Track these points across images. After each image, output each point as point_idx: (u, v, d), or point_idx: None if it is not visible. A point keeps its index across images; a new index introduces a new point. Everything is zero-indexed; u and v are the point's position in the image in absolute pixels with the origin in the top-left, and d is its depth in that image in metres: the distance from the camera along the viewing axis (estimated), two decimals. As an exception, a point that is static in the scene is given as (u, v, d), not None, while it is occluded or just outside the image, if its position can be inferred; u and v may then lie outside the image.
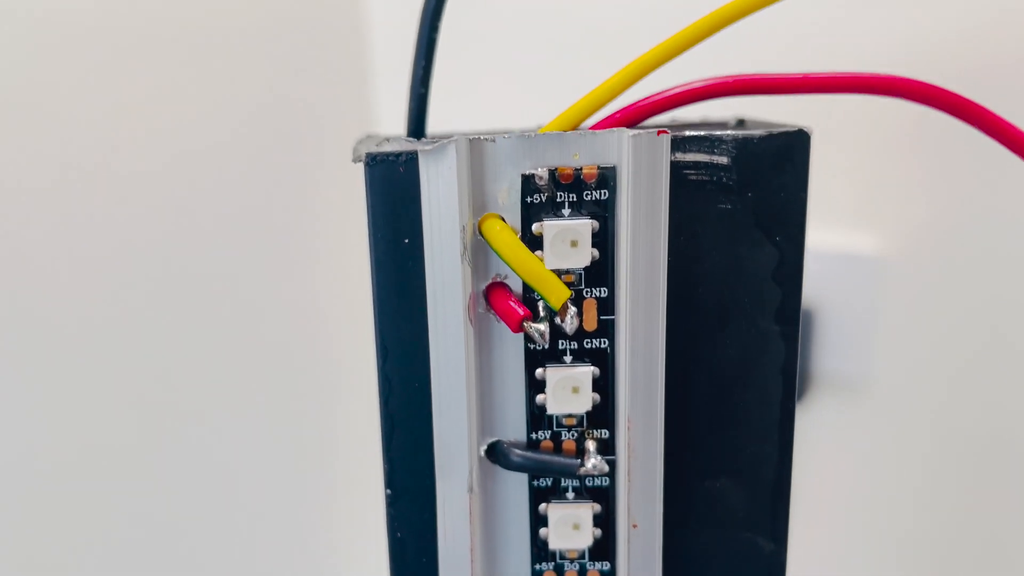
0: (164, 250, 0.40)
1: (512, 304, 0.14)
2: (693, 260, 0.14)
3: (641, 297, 0.14)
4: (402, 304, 0.14)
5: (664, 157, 0.13)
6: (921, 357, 0.38)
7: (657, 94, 0.15)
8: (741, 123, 0.18)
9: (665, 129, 0.13)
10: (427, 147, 0.13)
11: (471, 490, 0.15)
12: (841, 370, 0.46)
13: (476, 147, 0.14)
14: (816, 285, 0.44)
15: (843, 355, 0.45)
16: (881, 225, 0.37)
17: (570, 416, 0.15)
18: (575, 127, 0.15)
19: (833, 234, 0.37)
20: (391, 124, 0.51)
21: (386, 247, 0.14)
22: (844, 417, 0.43)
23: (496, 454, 0.15)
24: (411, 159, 0.14)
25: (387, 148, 0.14)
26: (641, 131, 0.13)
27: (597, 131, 0.14)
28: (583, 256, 0.14)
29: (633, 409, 0.15)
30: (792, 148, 0.14)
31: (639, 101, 0.15)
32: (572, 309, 0.14)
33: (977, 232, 0.33)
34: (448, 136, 0.14)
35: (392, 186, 0.14)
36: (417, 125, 0.16)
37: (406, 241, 0.14)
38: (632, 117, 0.15)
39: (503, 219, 0.14)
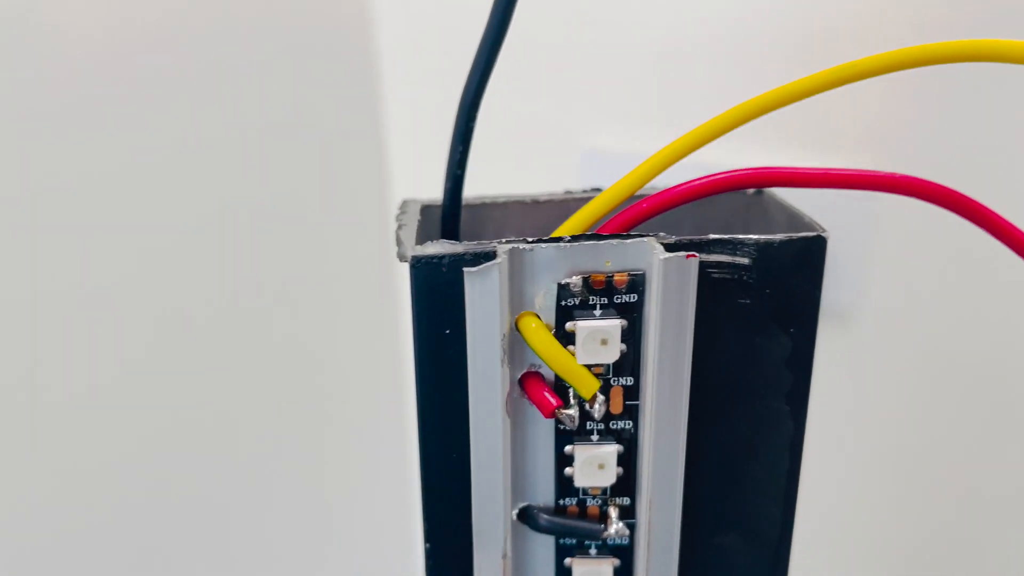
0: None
1: (546, 394, 0.15)
2: (711, 347, 0.16)
3: (666, 388, 0.15)
4: (442, 387, 0.15)
5: (692, 278, 0.14)
6: (914, 286, 0.40)
7: (677, 187, 0.16)
8: (759, 193, 0.19)
9: (694, 253, 0.14)
10: (473, 269, 0.14)
11: (505, 556, 0.16)
12: (836, 299, 0.48)
13: (515, 256, 0.15)
14: (813, 212, 0.45)
15: (838, 284, 0.47)
16: (880, 152, 0.38)
17: (595, 487, 0.16)
18: (596, 221, 0.16)
19: (834, 159, 0.38)
20: (397, 127, 0.53)
21: (428, 336, 0.15)
22: (835, 344, 0.45)
23: (527, 517, 0.17)
24: (455, 262, 0.15)
25: (432, 251, 0.15)
26: (671, 255, 0.14)
27: (628, 241, 0.15)
28: (612, 352, 0.15)
29: (654, 481, 0.16)
30: (809, 251, 0.15)
31: (661, 193, 0.16)
32: (600, 397, 0.15)
33: (975, 163, 0.34)
34: (488, 245, 0.15)
35: (436, 287, 0.15)
36: (453, 203, 0.17)
37: (447, 332, 0.15)
38: (654, 209, 0.16)
39: (539, 317, 0.15)
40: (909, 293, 0.41)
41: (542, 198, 0.18)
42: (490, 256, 0.15)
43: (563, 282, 0.15)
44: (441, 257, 0.15)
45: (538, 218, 0.19)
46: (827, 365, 0.46)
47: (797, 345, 0.16)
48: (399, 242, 0.16)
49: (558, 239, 0.15)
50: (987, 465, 0.39)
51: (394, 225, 0.17)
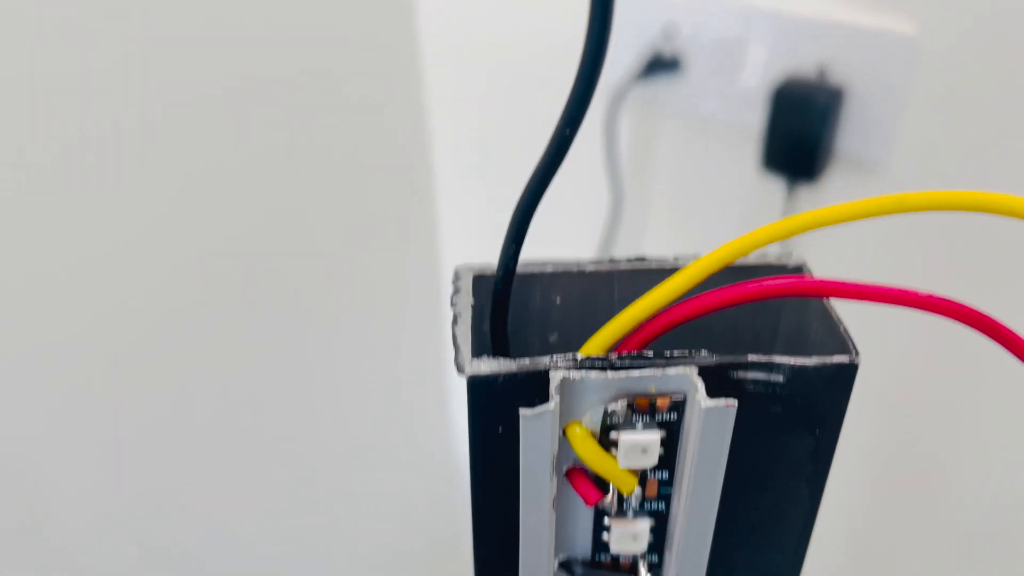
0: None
1: (588, 488, 0.17)
2: (739, 442, 0.17)
3: (702, 489, 0.17)
4: (495, 478, 0.17)
5: (731, 420, 0.15)
6: (939, 143, 0.42)
7: (712, 295, 0.17)
8: (799, 269, 0.19)
9: (733, 401, 0.15)
10: (529, 413, 0.15)
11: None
12: (862, 152, 0.50)
13: (566, 384, 0.16)
14: (850, 64, 0.46)
15: (866, 138, 0.49)
16: (923, 7, 0.39)
17: (628, 551, 0.18)
18: (621, 337, 0.17)
19: (873, 15, 0.39)
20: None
21: (483, 436, 0.17)
22: (856, 194, 0.47)
23: (567, 568, 0.19)
24: (508, 379, 0.16)
25: (487, 370, 0.16)
26: (713, 404, 0.15)
27: (671, 372, 0.16)
28: (651, 458, 0.16)
29: (683, 547, 0.18)
30: (842, 373, 0.16)
31: (695, 301, 0.17)
32: (638, 489, 0.17)
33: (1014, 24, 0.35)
34: (540, 363, 0.16)
35: (491, 398, 0.16)
36: (503, 295, 0.18)
37: (500, 430, 0.17)
38: (688, 318, 0.17)
39: (583, 427, 0.16)
40: (933, 149, 0.42)
41: (588, 267, 0.19)
42: (542, 377, 0.16)
43: (609, 409, 0.16)
44: (496, 377, 0.16)
45: (584, 285, 0.19)
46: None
47: (821, 442, 0.17)
48: (455, 343, 0.17)
49: (605, 363, 0.16)
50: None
51: (449, 292, 0.18)
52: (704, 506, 0.17)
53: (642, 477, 0.17)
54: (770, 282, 0.17)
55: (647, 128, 0.60)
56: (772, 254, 0.19)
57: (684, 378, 0.16)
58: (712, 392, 0.16)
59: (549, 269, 0.19)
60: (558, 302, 0.20)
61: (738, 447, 0.17)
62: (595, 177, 0.62)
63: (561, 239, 0.70)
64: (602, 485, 0.17)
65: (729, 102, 0.53)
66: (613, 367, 0.16)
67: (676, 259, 0.19)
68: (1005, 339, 0.17)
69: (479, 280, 0.19)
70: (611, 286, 0.19)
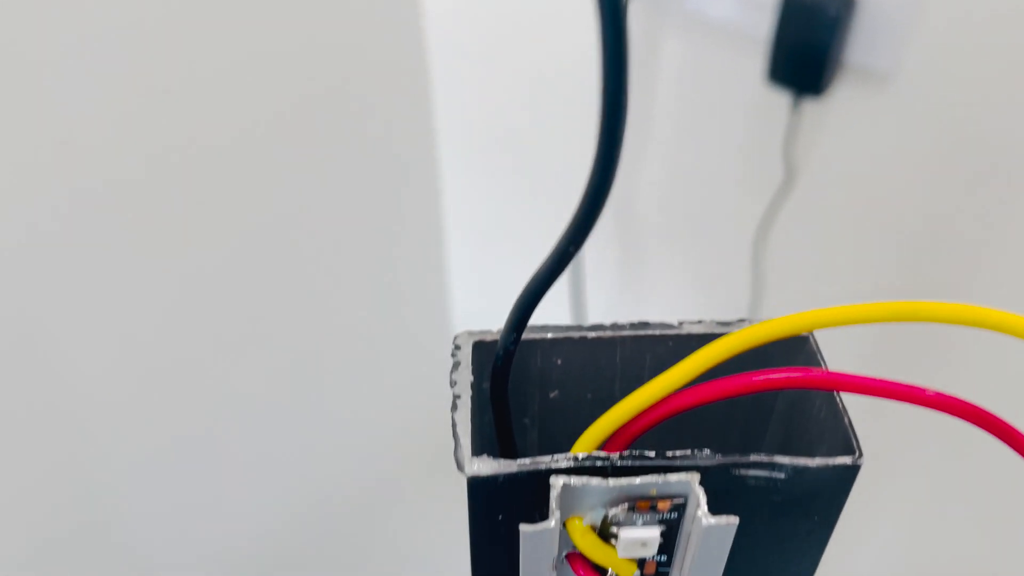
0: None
1: (588, 572, 0.17)
2: (741, 525, 0.17)
3: (702, 572, 0.17)
4: (495, 563, 0.17)
5: (731, 533, 0.15)
6: (950, 56, 0.42)
7: (712, 385, 0.16)
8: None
9: (735, 519, 0.15)
10: (529, 530, 0.15)
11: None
12: (871, 64, 0.49)
13: (566, 489, 0.16)
14: None
15: (875, 49, 0.48)
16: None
17: None
18: (618, 428, 0.17)
19: None
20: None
21: (482, 528, 0.17)
22: (862, 110, 0.47)
23: None
24: (508, 478, 0.16)
25: (487, 471, 0.16)
26: (714, 522, 0.15)
27: (672, 478, 0.16)
28: (651, 550, 0.17)
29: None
30: (845, 473, 0.16)
31: (694, 392, 0.17)
32: (636, 571, 0.17)
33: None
34: (541, 463, 0.16)
35: (491, 494, 0.16)
36: (501, 379, 0.18)
37: (500, 518, 0.17)
38: (686, 408, 0.17)
39: (583, 523, 0.16)
40: (944, 63, 0.42)
41: (591, 335, 0.19)
42: (540, 476, 0.16)
43: (610, 514, 0.16)
44: (496, 477, 0.16)
45: (586, 351, 0.19)
46: (862, 125, 0.49)
47: (819, 526, 0.17)
48: (455, 434, 0.16)
49: (606, 463, 0.16)
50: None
51: (449, 363, 0.18)
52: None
53: (640, 561, 0.17)
54: (775, 375, 0.16)
55: (653, 34, 0.58)
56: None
57: (686, 484, 0.16)
58: (712, 486, 0.16)
59: (550, 337, 0.19)
60: (559, 363, 0.19)
61: (738, 529, 0.17)
62: (597, 83, 0.61)
63: (559, 154, 0.69)
64: (601, 570, 0.17)
65: (739, 5, 0.51)
66: (613, 470, 0.16)
67: (680, 324, 0.19)
68: (1008, 437, 0.16)
69: (479, 347, 0.18)
70: (613, 351, 0.19)
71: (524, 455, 0.17)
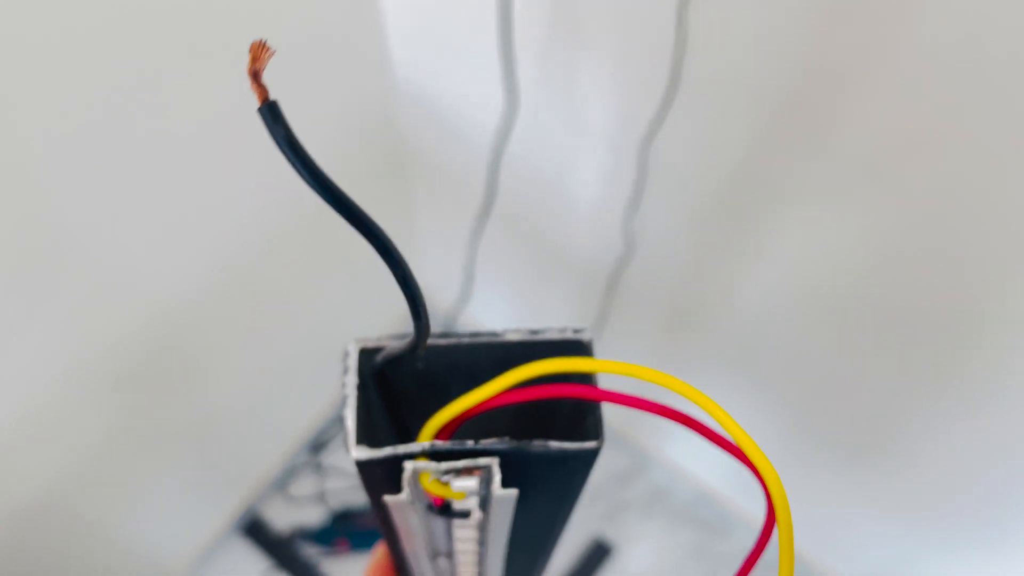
0: None
1: (436, 498, 0.27)
2: (529, 470, 0.26)
3: (501, 513, 0.27)
4: (380, 501, 0.27)
5: (514, 497, 0.25)
6: None
7: (510, 393, 0.25)
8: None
9: (514, 491, 0.24)
10: (390, 499, 0.24)
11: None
12: None
13: (416, 471, 0.25)
14: None
15: None
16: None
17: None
18: (451, 420, 0.25)
19: None
20: None
21: (372, 487, 0.26)
22: None
23: (430, 509, 0.29)
24: (385, 459, 0.25)
25: (366, 456, 0.25)
26: (503, 493, 0.24)
27: (481, 461, 0.25)
28: (472, 488, 0.26)
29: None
30: (591, 452, 0.25)
31: (498, 397, 0.25)
32: (465, 496, 0.27)
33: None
34: (400, 450, 0.24)
35: (374, 467, 0.25)
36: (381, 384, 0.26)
37: (380, 475, 0.26)
38: (494, 407, 0.25)
39: (431, 477, 0.26)
40: None
41: (442, 342, 0.27)
42: (399, 458, 0.25)
43: (443, 480, 0.25)
44: (372, 459, 0.25)
45: (439, 351, 0.27)
46: None
47: (581, 470, 0.27)
48: (345, 427, 0.25)
49: (441, 450, 0.25)
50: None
51: (341, 369, 0.26)
52: (505, 511, 0.27)
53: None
54: (551, 389, 0.25)
55: None
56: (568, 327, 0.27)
57: (489, 464, 0.25)
58: (516, 452, 0.25)
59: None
60: (422, 353, 0.28)
61: (526, 470, 0.26)
62: None
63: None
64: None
65: None
66: (446, 455, 0.25)
67: (504, 332, 0.27)
68: (707, 434, 0.25)
69: (364, 354, 0.26)
70: (459, 350, 0.27)
71: (407, 407, 0.26)
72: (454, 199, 1.15)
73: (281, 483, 1.45)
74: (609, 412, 1.36)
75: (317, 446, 1.47)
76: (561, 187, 1.02)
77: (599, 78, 0.85)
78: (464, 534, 0.29)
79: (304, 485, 1.46)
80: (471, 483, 0.26)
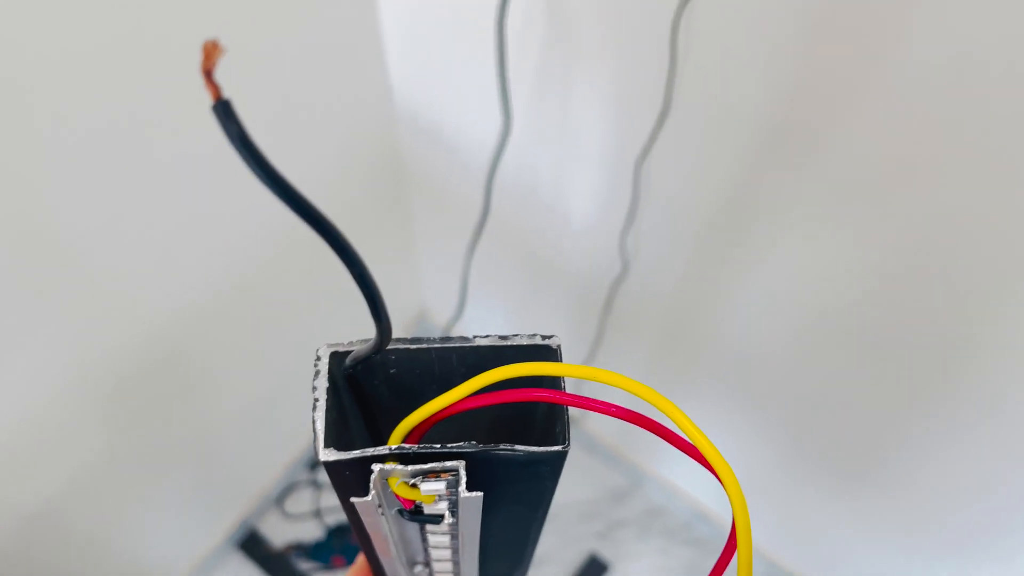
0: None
1: (406, 502, 0.27)
2: (498, 476, 0.27)
3: (470, 518, 0.27)
4: (356, 516, 0.27)
5: (480, 500, 0.25)
6: None
7: (479, 397, 0.26)
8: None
9: (479, 494, 0.25)
10: (357, 500, 0.25)
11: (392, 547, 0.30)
12: None
13: (381, 472, 0.25)
14: None
15: None
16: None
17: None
18: (420, 422, 0.26)
19: None
20: None
21: (342, 487, 0.27)
22: None
23: (401, 513, 0.30)
24: (352, 461, 0.25)
25: (334, 458, 0.25)
26: (470, 495, 0.25)
27: (448, 464, 0.25)
28: (441, 491, 0.27)
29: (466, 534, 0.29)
30: (559, 455, 0.26)
31: (466, 401, 0.26)
32: (436, 499, 0.27)
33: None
34: (368, 452, 0.25)
35: (341, 469, 0.26)
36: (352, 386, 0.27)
37: (349, 475, 0.27)
38: (462, 410, 0.26)
39: (400, 480, 0.26)
40: None
41: (412, 346, 0.28)
42: (367, 461, 0.25)
43: (411, 483, 0.26)
44: (340, 461, 0.25)
45: (409, 355, 0.28)
46: None
47: (549, 476, 0.27)
48: (314, 430, 0.26)
49: (408, 453, 0.25)
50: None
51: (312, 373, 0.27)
52: (474, 513, 0.28)
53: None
54: (520, 393, 0.26)
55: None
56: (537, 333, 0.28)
57: (456, 466, 0.25)
58: (482, 455, 0.26)
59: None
60: (394, 358, 0.28)
61: (495, 473, 0.27)
62: None
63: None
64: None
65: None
66: (413, 456, 0.25)
67: (473, 337, 0.28)
68: (671, 439, 0.26)
69: (335, 356, 0.27)
70: (430, 353, 0.28)
71: (379, 410, 0.27)
72: (450, 218, 1.16)
73: (278, 499, 1.45)
74: (606, 430, 1.36)
75: (314, 463, 1.48)
76: (556, 205, 1.03)
77: (593, 98, 0.86)
78: (438, 540, 0.30)
79: (301, 501, 1.46)
80: (439, 486, 0.26)
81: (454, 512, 0.29)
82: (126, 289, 0.84)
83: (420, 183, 1.17)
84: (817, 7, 0.62)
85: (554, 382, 0.27)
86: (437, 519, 0.29)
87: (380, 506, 0.26)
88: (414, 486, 0.26)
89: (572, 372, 0.25)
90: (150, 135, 0.74)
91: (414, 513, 0.29)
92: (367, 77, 0.98)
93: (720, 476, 0.23)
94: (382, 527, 0.28)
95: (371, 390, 0.29)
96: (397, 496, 0.27)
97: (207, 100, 0.16)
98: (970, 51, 0.57)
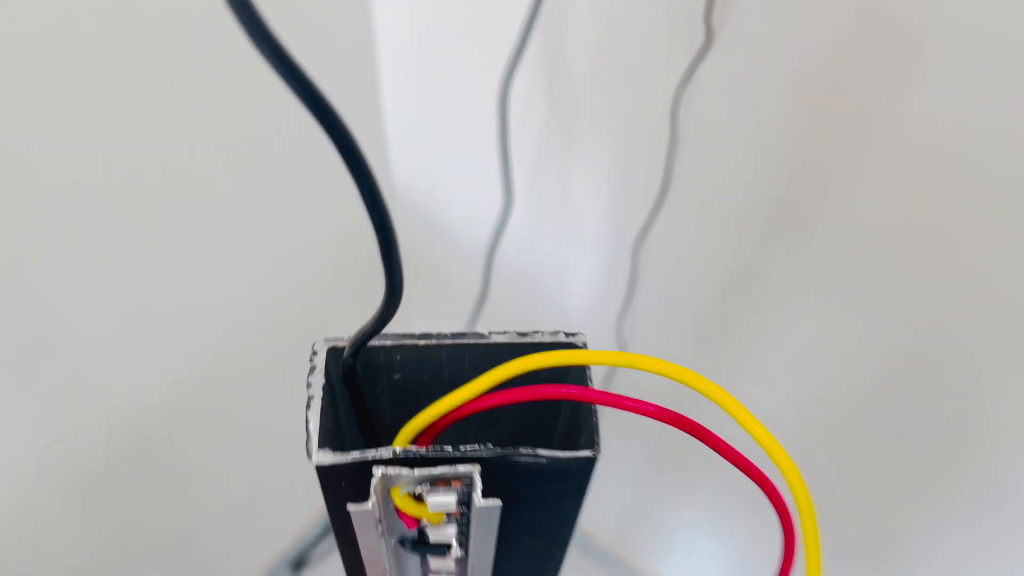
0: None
1: (409, 520, 0.24)
2: (517, 486, 0.24)
3: (484, 533, 0.24)
4: (347, 527, 0.24)
5: (498, 510, 0.22)
6: None
7: (497, 395, 0.23)
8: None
9: (498, 501, 0.22)
10: (354, 508, 0.22)
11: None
12: None
13: (385, 477, 0.22)
14: None
15: None
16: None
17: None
18: (431, 424, 0.23)
19: None
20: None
21: (335, 500, 0.23)
22: None
23: (403, 544, 0.26)
24: (347, 466, 0.22)
25: (329, 461, 0.22)
26: (485, 504, 0.22)
27: (461, 469, 0.22)
28: (451, 507, 0.23)
29: (478, 549, 0.25)
30: (587, 461, 0.23)
31: (481, 399, 0.23)
32: (444, 517, 0.24)
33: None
34: (368, 454, 0.22)
35: (336, 474, 0.22)
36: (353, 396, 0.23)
37: (343, 484, 0.23)
38: (482, 409, 0.23)
39: (403, 492, 0.23)
40: None
41: (421, 342, 0.25)
42: (368, 464, 0.22)
43: (416, 492, 0.22)
44: (335, 465, 0.22)
45: (418, 353, 0.25)
46: None
47: (573, 492, 0.24)
48: (307, 430, 0.23)
49: (416, 455, 0.22)
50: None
51: (307, 368, 0.24)
52: (488, 535, 0.24)
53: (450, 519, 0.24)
54: (542, 390, 0.22)
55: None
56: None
57: (469, 471, 0.22)
58: (499, 464, 0.22)
59: (388, 343, 0.25)
60: (399, 358, 0.25)
61: (514, 487, 0.23)
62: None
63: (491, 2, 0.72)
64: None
65: None
66: (421, 460, 0.22)
67: (489, 334, 0.25)
68: (715, 445, 0.23)
69: (333, 352, 0.24)
70: (454, 356, 0.25)
71: (379, 424, 0.23)
72: (449, 297, 1.14)
73: (257, 603, 1.37)
74: (603, 526, 1.30)
75: (298, 563, 1.40)
76: (554, 288, 1.01)
77: (592, 178, 0.85)
78: (440, 564, 0.26)
79: (281, 606, 1.38)
80: (449, 499, 0.23)
81: (463, 543, 0.25)
82: (99, 379, 0.80)
83: (417, 267, 1.15)
84: (817, 88, 0.62)
85: (581, 377, 0.24)
86: (443, 550, 0.25)
87: (379, 522, 0.23)
88: (420, 498, 0.23)
89: (604, 359, 0.22)
90: (125, 224, 0.72)
91: (417, 543, 0.25)
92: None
93: (783, 470, 0.20)
94: (378, 552, 0.24)
95: (372, 400, 0.26)
96: (399, 513, 0.24)
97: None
98: (976, 126, 0.57)
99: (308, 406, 0.23)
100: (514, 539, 0.26)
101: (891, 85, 0.57)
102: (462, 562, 0.26)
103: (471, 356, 0.25)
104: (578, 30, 0.69)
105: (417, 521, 0.24)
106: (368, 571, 0.26)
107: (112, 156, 0.66)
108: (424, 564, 0.27)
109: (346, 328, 0.24)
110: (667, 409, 0.22)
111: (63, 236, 0.66)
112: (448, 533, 0.25)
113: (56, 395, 0.76)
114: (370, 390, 0.26)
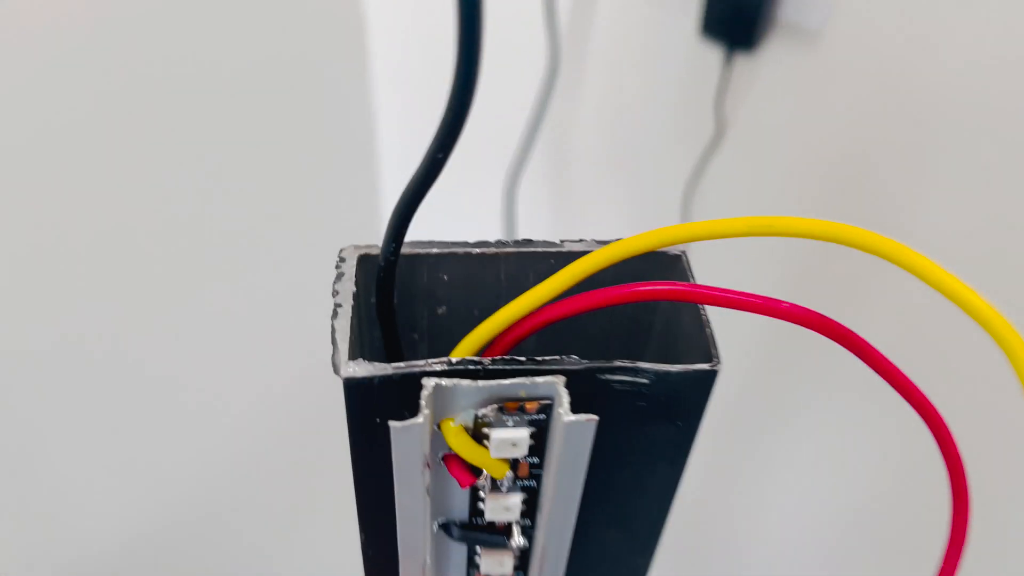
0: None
1: (463, 474, 0.18)
2: (607, 428, 0.18)
3: (567, 476, 0.18)
4: (374, 468, 0.18)
5: (591, 431, 0.16)
6: (876, 16, 0.44)
7: (582, 297, 0.17)
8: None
9: (594, 417, 0.16)
10: (397, 425, 0.16)
11: (425, 566, 0.20)
12: (800, 21, 0.51)
13: (438, 391, 0.16)
14: None
15: (806, 9, 0.50)
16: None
17: (503, 520, 0.20)
18: (496, 335, 0.17)
19: None
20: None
21: (361, 429, 0.17)
22: (791, 64, 0.49)
23: (446, 529, 0.20)
24: (383, 381, 0.16)
25: (363, 373, 0.16)
26: (575, 419, 0.16)
27: (539, 381, 0.16)
28: (521, 451, 0.17)
29: (552, 517, 0.19)
30: (703, 378, 0.17)
31: (566, 303, 0.17)
32: (509, 473, 0.18)
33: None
34: (416, 367, 0.16)
35: (367, 396, 0.17)
36: (386, 287, 0.18)
37: (377, 420, 0.17)
38: (560, 318, 0.17)
39: (457, 423, 0.17)
40: (870, 22, 0.44)
41: (475, 251, 0.19)
42: (416, 379, 0.16)
43: (480, 413, 0.17)
44: (372, 379, 0.16)
45: (471, 267, 0.20)
46: (791, 81, 0.51)
47: (683, 431, 0.18)
48: (333, 339, 0.17)
49: (478, 367, 0.16)
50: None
51: (332, 277, 0.19)
52: (570, 487, 0.18)
53: (514, 463, 0.18)
54: (639, 288, 0.17)
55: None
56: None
57: (552, 385, 0.16)
58: (581, 391, 0.17)
59: (435, 252, 0.19)
60: (446, 279, 0.20)
61: (604, 432, 0.18)
62: (533, 35, 0.62)
63: (499, 97, 0.69)
64: (475, 470, 0.18)
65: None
66: (485, 373, 0.17)
67: (561, 242, 0.20)
68: (858, 349, 0.17)
69: (364, 260, 0.19)
70: (498, 269, 0.20)
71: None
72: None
73: None
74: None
75: None
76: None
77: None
78: (493, 565, 0.20)
79: None
80: (520, 433, 0.17)
81: (528, 528, 0.19)
82: (77, 512, 0.72)
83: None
84: (833, 182, 0.58)
85: (682, 276, 0.19)
86: (501, 540, 0.19)
87: (426, 467, 0.17)
88: (481, 434, 0.17)
89: (728, 229, 0.16)
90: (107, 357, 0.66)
91: (467, 528, 0.19)
92: (360, 199, 0.92)
93: (990, 328, 0.14)
94: (420, 518, 0.18)
95: (408, 349, 0.21)
96: (451, 463, 0.18)
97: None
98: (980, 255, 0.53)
99: (335, 315, 0.17)
100: (594, 521, 0.20)
101: (906, 178, 0.53)
102: (524, 557, 0.20)
103: (534, 266, 0.19)
104: (586, 125, 0.67)
105: (474, 477, 0.18)
106: (402, 561, 0.19)
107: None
108: (471, 564, 0.20)
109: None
110: (805, 308, 0.17)
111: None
112: (511, 504, 0.19)
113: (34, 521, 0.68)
114: (406, 334, 0.21)
